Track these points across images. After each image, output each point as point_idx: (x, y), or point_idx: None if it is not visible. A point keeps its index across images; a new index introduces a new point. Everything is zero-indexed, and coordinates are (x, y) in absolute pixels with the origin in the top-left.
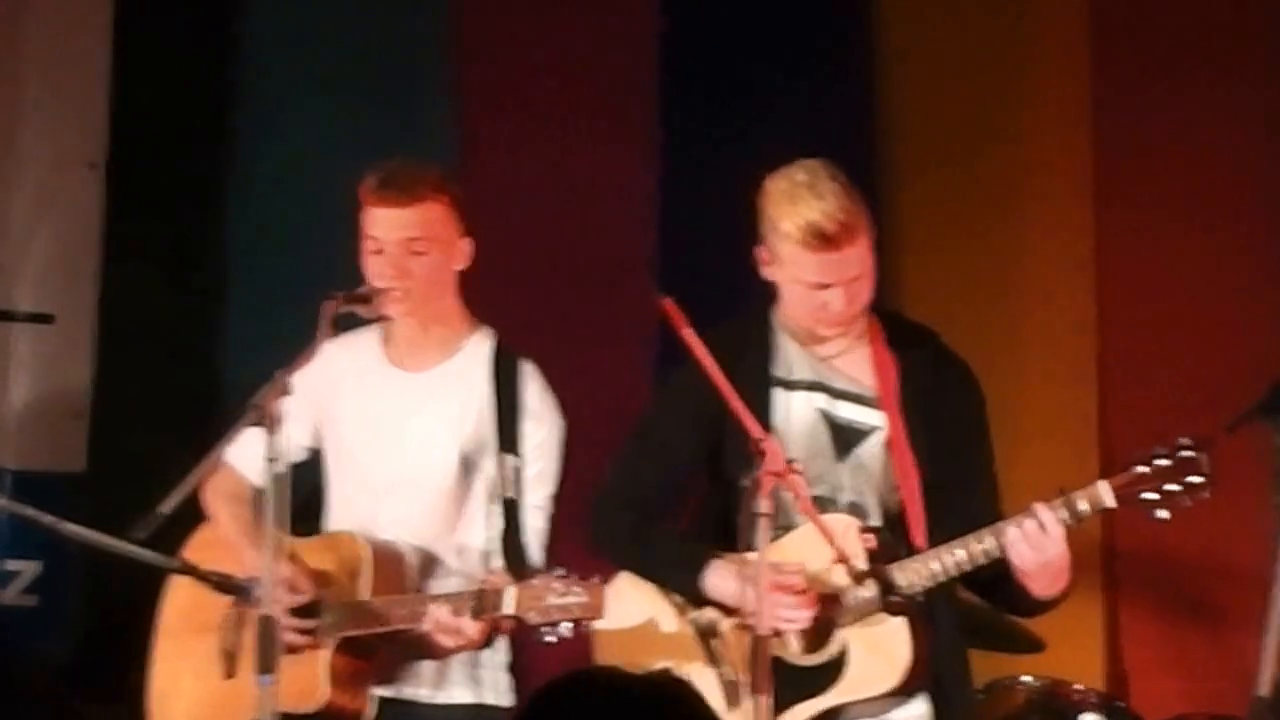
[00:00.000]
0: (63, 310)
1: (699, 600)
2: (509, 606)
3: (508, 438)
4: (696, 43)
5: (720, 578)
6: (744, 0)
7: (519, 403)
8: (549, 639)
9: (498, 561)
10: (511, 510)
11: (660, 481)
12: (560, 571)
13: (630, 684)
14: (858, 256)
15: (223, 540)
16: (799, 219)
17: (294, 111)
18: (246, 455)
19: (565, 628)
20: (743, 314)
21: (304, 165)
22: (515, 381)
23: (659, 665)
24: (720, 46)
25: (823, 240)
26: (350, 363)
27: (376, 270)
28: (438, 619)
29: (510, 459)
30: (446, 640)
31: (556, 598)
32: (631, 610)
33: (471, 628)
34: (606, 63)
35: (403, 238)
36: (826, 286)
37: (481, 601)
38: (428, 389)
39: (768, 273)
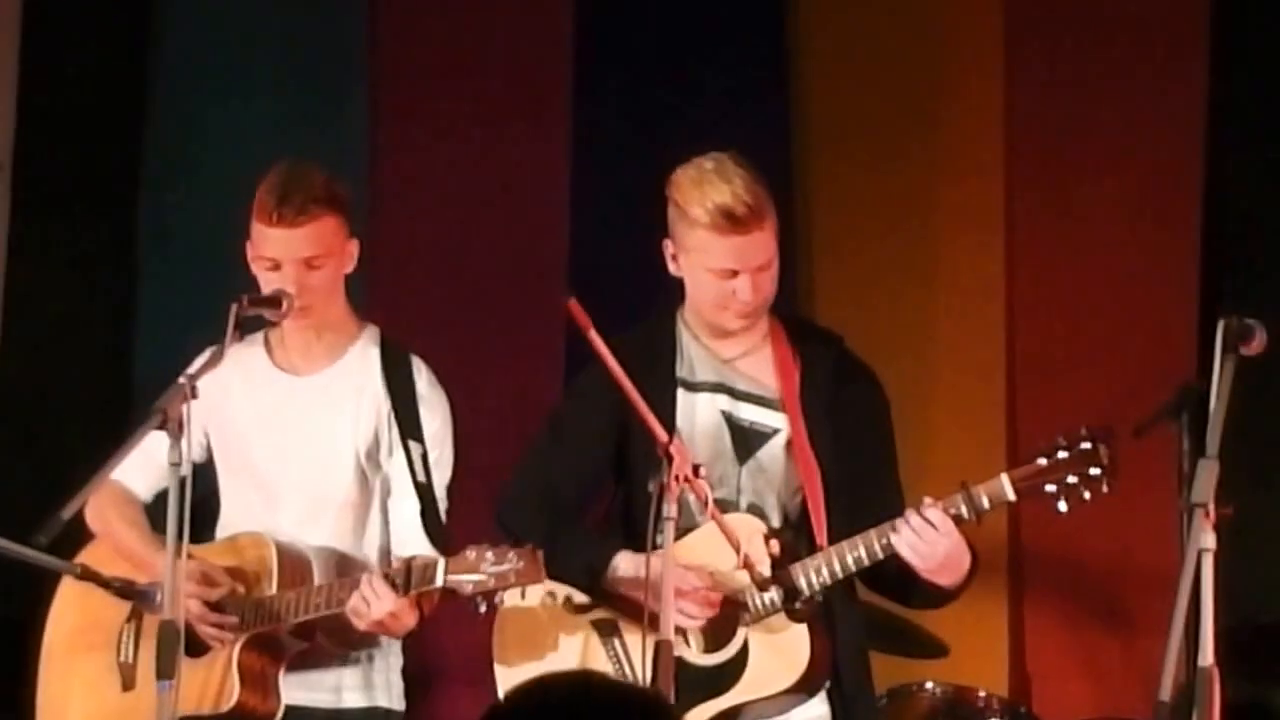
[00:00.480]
0: None
1: (603, 594)
2: (440, 579)
3: (410, 426)
4: (609, 42)
5: (625, 569)
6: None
7: (414, 392)
8: (483, 609)
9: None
10: (426, 493)
11: (567, 478)
12: (485, 545)
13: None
14: (765, 243)
15: (118, 552)
16: (708, 202)
17: (206, 109)
18: (132, 468)
19: (499, 597)
20: (651, 316)
21: (215, 164)
22: (407, 373)
23: (559, 664)
24: (633, 45)
25: (731, 222)
26: (235, 369)
27: (274, 284)
28: (367, 590)
29: (415, 445)
30: (374, 619)
31: (491, 566)
32: (532, 610)
33: (400, 603)
34: (519, 60)
35: (300, 256)
36: (734, 274)
37: (410, 575)
38: (321, 391)
39: (675, 268)
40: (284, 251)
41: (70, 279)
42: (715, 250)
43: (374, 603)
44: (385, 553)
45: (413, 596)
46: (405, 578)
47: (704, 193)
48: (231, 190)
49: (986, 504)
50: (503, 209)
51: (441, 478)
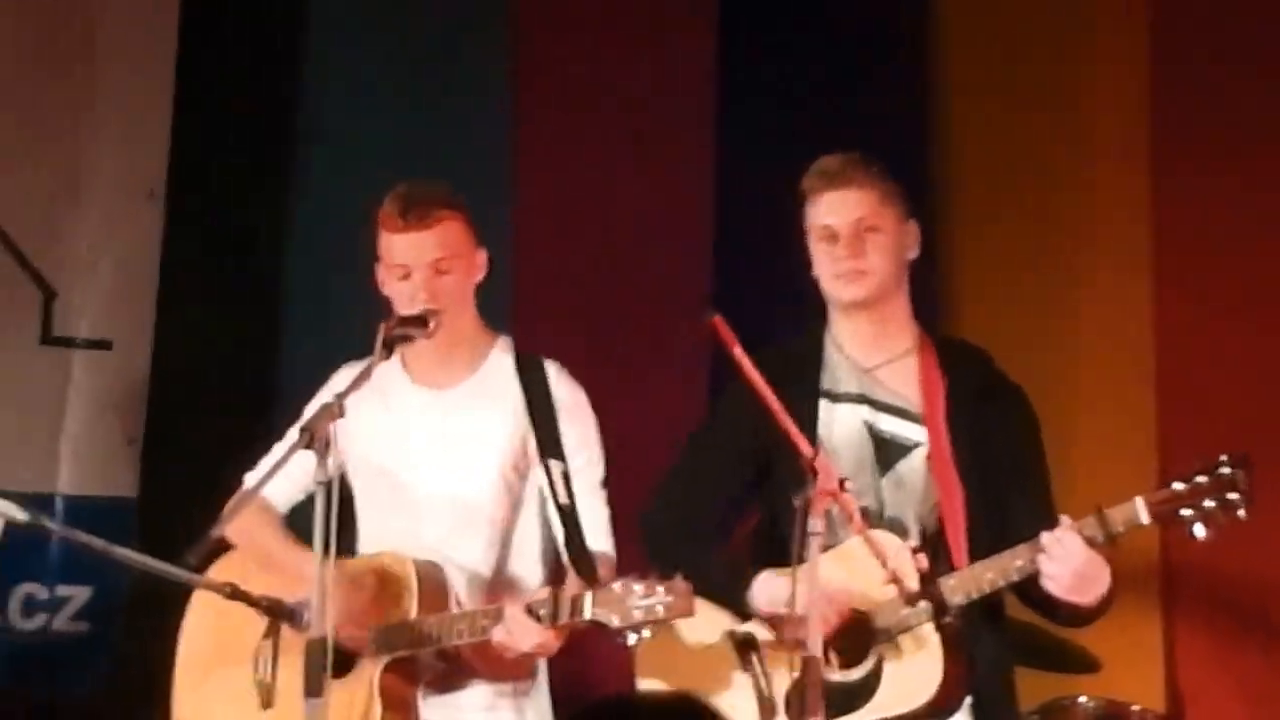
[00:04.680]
0: (120, 337)
1: (745, 614)
2: (587, 613)
3: (549, 443)
4: (753, 67)
5: (766, 590)
6: (801, 27)
7: (551, 403)
8: (630, 642)
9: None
10: (569, 517)
11: (712, 498)
12: (635, 576)
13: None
14: (860, 200)
15: (266, 565)
16: (813, 168)
17: (352, 136)
18: (277, 480)
19: (646, 631)
20: (795, 334)
21: (361, 190)
22: (543, 383)
23: (697, 681)
24: (777, 71)
25: (825, 179)
26: (373, 386)
27: (406, 295)
28: (512, 622)
29: (556, 464)
30: (521, 647)
31: (640, 600)
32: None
33: (546, 634)
34: (663, 81)
35: (430, 260)
36: (834, 235)
37: (556, 608)
38: (458, 405)
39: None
40: (413, 256)
41: (219, 302)
42: (813, 212)
43: (519, 636)
44: (543, 564)
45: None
46: (551, 610)
47: (815, 163)
48: (375, 210)
49: (1120, 527)
50: (647, 227)
51: (592, 479)
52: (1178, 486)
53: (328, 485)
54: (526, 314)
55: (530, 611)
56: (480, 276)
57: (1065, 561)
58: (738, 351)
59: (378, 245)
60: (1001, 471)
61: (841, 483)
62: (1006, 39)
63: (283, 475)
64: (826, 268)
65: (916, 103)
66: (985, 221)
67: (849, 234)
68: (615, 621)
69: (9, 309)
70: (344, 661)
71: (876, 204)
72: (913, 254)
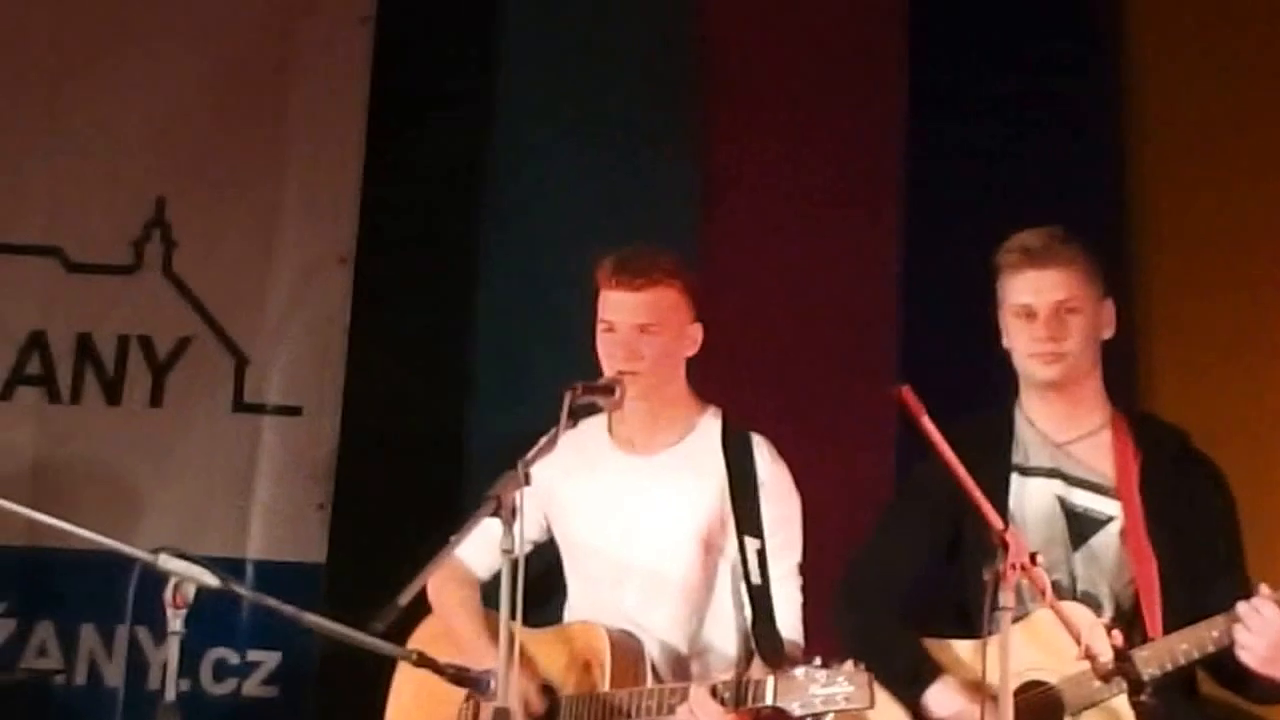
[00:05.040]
0: (310, 403)
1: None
2: (769, 697)
3: (748, 519)
4: (942, 132)
5: (940, 701)
6: (991, 89)
7: (754, 479)
8: None
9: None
10: (759, 597)
11: (904, 572)
12: (818, 660)
13: None
14: (1063, 281)
15: (449, 633)
16: (1012, 243)
17: (541, 201)
18: (471, 547)
19: (829, 717)
20: (984, 404)
21: (549, 254)
22: (748, 458)
23: None
24: (966, 134)
25: (1027, 256)
26: (577, 450)
27: (607, 351)
28: (696, 704)
29: (751, 541)
30: None
31: (821, 688)
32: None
33: (728, 717)
34: (850, 147)
35: (635, 321)
36: (1033, 314)
37: (741, 691)
38: (661, 472)
39: (1005, 339)
40: (620, 314)
41: (408, 366)
42: (1012, 287)
43: (701, 718)
44: (738, 639)
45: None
46: (735, 693)
47: (1012, 239)
48: (563, 278)
49: None
50: (833, 294)
51: (788, 562)
52: None
53: (512, 553)
54: (713, 382)
55: (714, 694)
56: (692, 350)
57: (1262, 632)
58: (926, 422)
59: (596, 304)
60: (1196, 545)
61: (1033, 556)
62: (1205, 105)
63: (485, 541)
64: (1022, 346)
65: (1112, 171)
66: (1184, 295)
67: (1048, 315)
68: (796, 709)
69: (202, 376)
70: None
71: (1076, 284)
72: (1108, 333)
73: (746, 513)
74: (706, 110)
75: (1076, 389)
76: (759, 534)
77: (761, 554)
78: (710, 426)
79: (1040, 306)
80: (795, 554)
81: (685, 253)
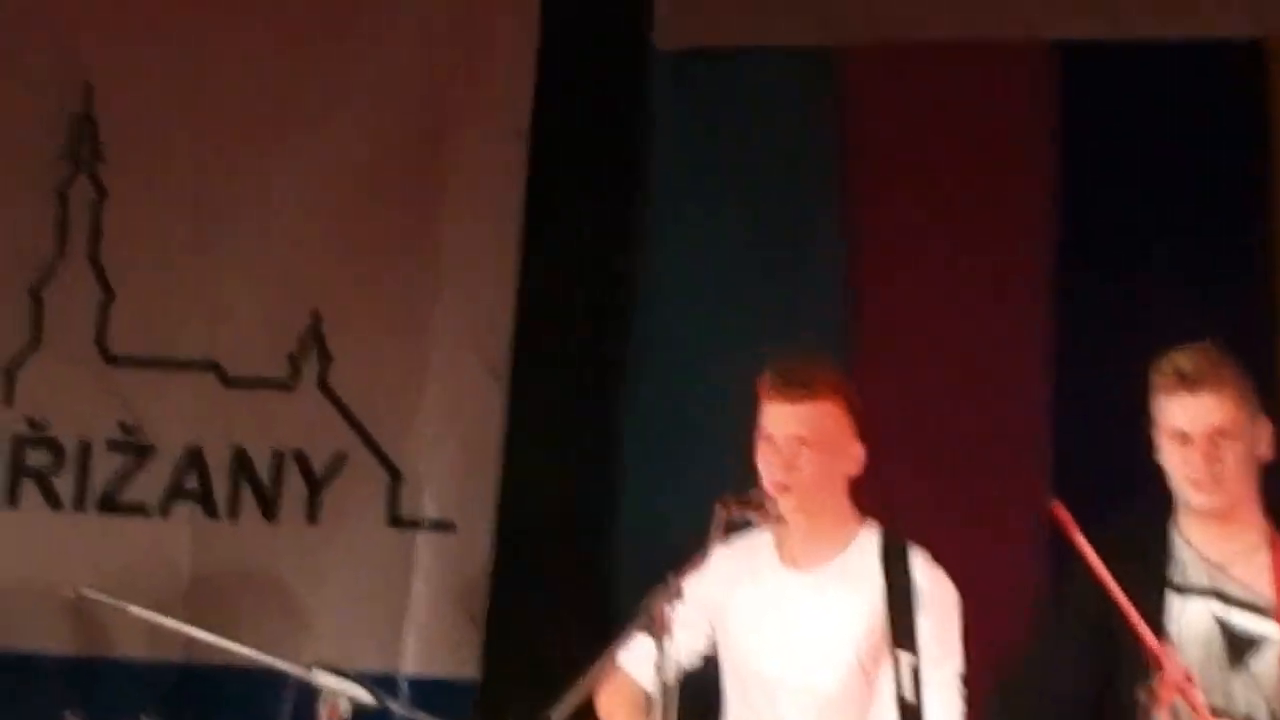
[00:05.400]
0: (463, 518)
1: None
2: None
3: (903, 632)
4: (1093, 238)
5: None
6: (1141, 193)
7: (911, 592)
8: None
9: None
10: (910, 714)
11: (1057, 689)
12: None
13: None
14: (1216, 406)
15: None
16: (1166, 364)
17: (690, 311)
18: (640, 660)
19: None
20: (1139, 514)
21: (699, 363)
22: (905, 571)
23: None
24: (1117, 240)
25: (1179, 379)
26: (744, 564)
27: (766, 463)
28: None
29: (906, 656)
30: None
31: None
32: None
33: None
34: (1000, 252)
35: (794, 433)
36: (1186, 439)
37: None
38: (819, 587)
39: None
40: (778, 426)
41: (561, 480)
42: (1167, 411)
43: None
44: None
45: None
46: None
47: (1166, 358)
48: (713, 386)
49: None
50: (982, 400)
51: (947, 673)
52: None
53: (662, 671)
54: (863, 490)
55: None
56: (854, 469)
57: None
58: (1080, 540)
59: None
60: None
61: (1189, 676)
62: None
63: (645, 659)
64: (1178, 469)
65: (1264, 285)
66: None
67: (1204, 441)
68: None
69: (357, 491)
70: None
71: (1232, 409)
72: (1265, 453)
73: (902, 626)
74: (853, 221)
75: (1233, 511)
76: (913, 648)
77: (915, 670)
78: (868, 540)
79: (1196, 433)
80: (955, 662)
81: (834, 356)
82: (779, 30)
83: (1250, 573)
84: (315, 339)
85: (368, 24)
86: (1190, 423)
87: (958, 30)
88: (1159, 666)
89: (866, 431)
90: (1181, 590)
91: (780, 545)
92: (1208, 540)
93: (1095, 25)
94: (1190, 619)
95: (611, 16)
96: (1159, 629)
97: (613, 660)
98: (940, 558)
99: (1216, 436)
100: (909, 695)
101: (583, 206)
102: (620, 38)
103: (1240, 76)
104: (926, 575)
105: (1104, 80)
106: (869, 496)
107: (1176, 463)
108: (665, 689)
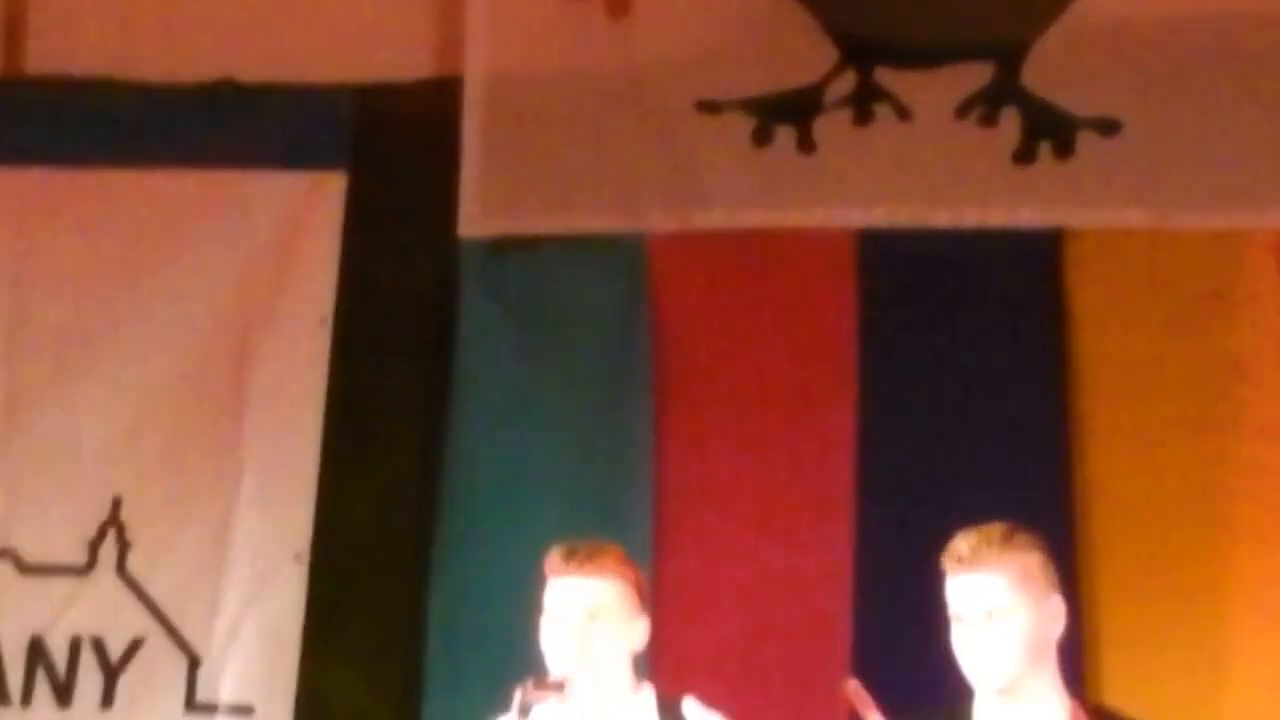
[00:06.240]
0: (261, 702)
1: None
2: None
3: None
4: (894, 431)
5: None
6: (942, 386)
7: None
8: None
9: None
10: None
11: None
12: None
13: None
14: (988, 588)
15: None
16: (950, 547)
17: (495, 498)
18: None
19: None
20: (946, 704)
21: (502, 550)
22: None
23: None
24: (918, 432)
25: (956, 561)
26: None
27: (556, 643)
28: None
29: None
30: None
31: None
32: None
33: None
34: (803, 449)
35: (585, 608)
36: (960, 620)
37: None
38: None
39: None
40: (569, 601)
41: (359, 666)
42: (949, 592)
43: None
44: None
45: None
46: None
47: (950, 543)
48: (514, 576)
49: None
50: (784, 601)
51: None
52: None
53: None
54: (661, 669)
55: None
56: (639, 646)
57: None
58: (874, 718)
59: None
60: None
61: None
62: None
63: None
64: (959, 652)
65: (1063, 467)
66: (1130, 587)
67: (978, 623)
68: None
69: (154, 676)
70: None
71: (1009, 588)
72: (1056, 632)
73: None
74: (659, 419)
75: (1024, 689)
76: None
77: None
78: (645, 700)
79: (968, 614)
80: None
81: (638, 549)
82: (586, 218)
83: None
84: (115, 524)
85: (182, 224)
86: (963, 603)
87: (763, 218)
88: None
89: (664, 621)
90: None
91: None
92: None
93: (896, 212)
94: None
95: (417, 205)
96: None
97: None
98: None
99: (993, 619)
100: None
101: (388, 391)
102: (426, 226)
103: (1039, 263)
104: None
105: (903, 266)
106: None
107: (958, 646)
108: None
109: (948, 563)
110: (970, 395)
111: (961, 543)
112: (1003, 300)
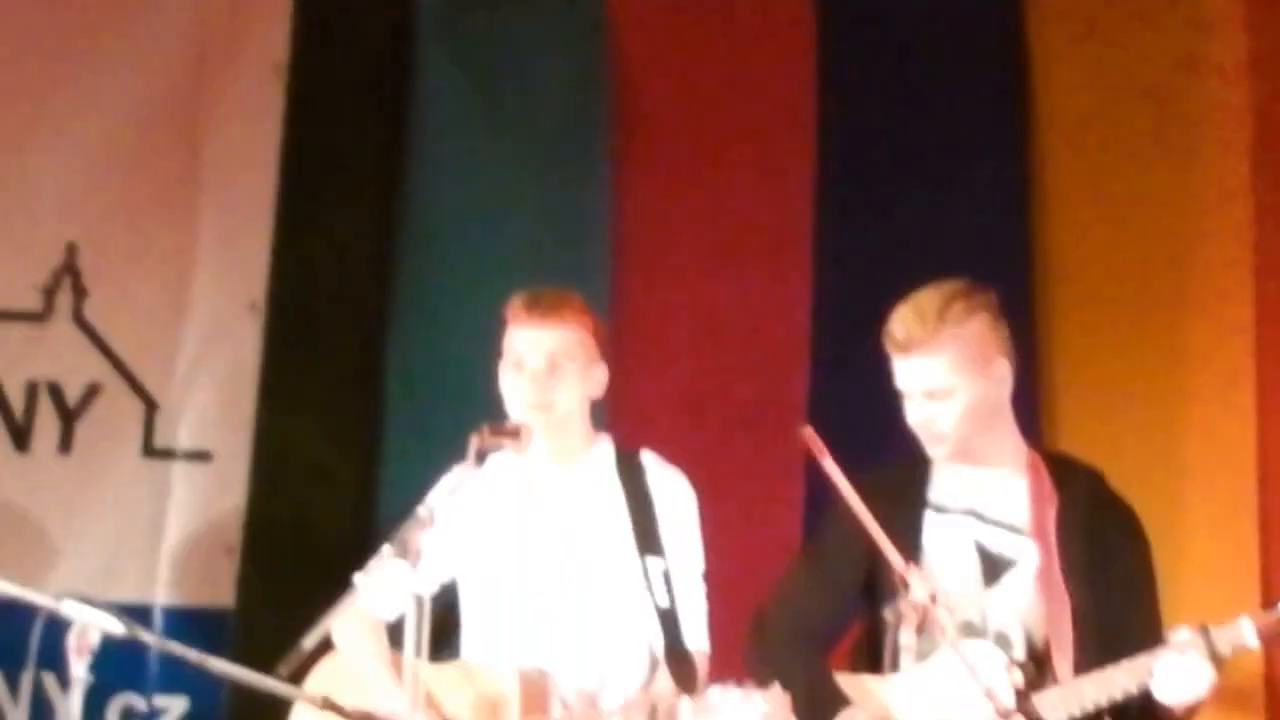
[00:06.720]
0: (219, 448)
1: None
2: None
3: (647, 539)
4: (852, 183)
5: None
6: (902, 138)
7: (649, 498)
8: None
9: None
10: (668, 619)
11: (823, 606)
12: (732, 682)
13: None
14: (929, 370)
15: (350, 672)
16: (887, 327)
17: (451, 249)
18: (375, 589)
19: None
20: (903, 458)
21: (461, 301)
22: (640, 477)
23: None
24: (876, 184)
25: (894, 344)
26: (485, 487)
27: (516, 387)
28: None
29: (655, 562)
30: None
31: (735, 708)
32: None
33: None
34: (761, 199)
35: (545, 355)
36: (907, 397)
37: (655, 716)
38: (559, 503)
39: None
40: (530, 349)
41: (317, 413)
42: (894, 370)
43: None
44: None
45: None
46: (649, 717)
47: (893, 313)
48: (473, 327)
49: (1227, 650)
50: (741, 344)
51: (691, 571)
52: None
53: (418, 596)
54: (622, 432)
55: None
56: (597, 392)
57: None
58: (828, 463)
59: (502, 341)
60: (1112, 588)
61: (933, 595)
62: (1104, 144)
63: (387, 584)
64: (910, 423)
65: (1017, 216)
66: (1089, 340)
67: (922, 399)
68: None
69: (112, 421)
70: None
71: (946, 369)
72: (1004, 393)
73: (645, 532)
74: (618, 170)
75: (978, 449)
76: (660, 552)
77: (666, 574)
78: (603, 452)
79: (912, 392)
80: (697, 562)
81: (596, 299)
82: None
83: (1007, 494)
84: (70, 272)
85: None
86: (906, 382)
87: None
88: (904, 586)
89: (622, 363)
90: (941, 510)
91: (520, 469)
92: (965, 468)
93: None
94: (948, 539)
95: None
96: (917, 550)
97: (359, 586)
98: (702, 496)
99: (935, 396)
100: (662, 600)
101: (344, 142)
102: None
103: (1000, 10)
104: (660, 478)
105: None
106: (630, 433)
107: (909, 417)
108: (419, 615)
109: (887, 345)
110: (928, 142)
111: (897, 326)
112: (963, 47)
